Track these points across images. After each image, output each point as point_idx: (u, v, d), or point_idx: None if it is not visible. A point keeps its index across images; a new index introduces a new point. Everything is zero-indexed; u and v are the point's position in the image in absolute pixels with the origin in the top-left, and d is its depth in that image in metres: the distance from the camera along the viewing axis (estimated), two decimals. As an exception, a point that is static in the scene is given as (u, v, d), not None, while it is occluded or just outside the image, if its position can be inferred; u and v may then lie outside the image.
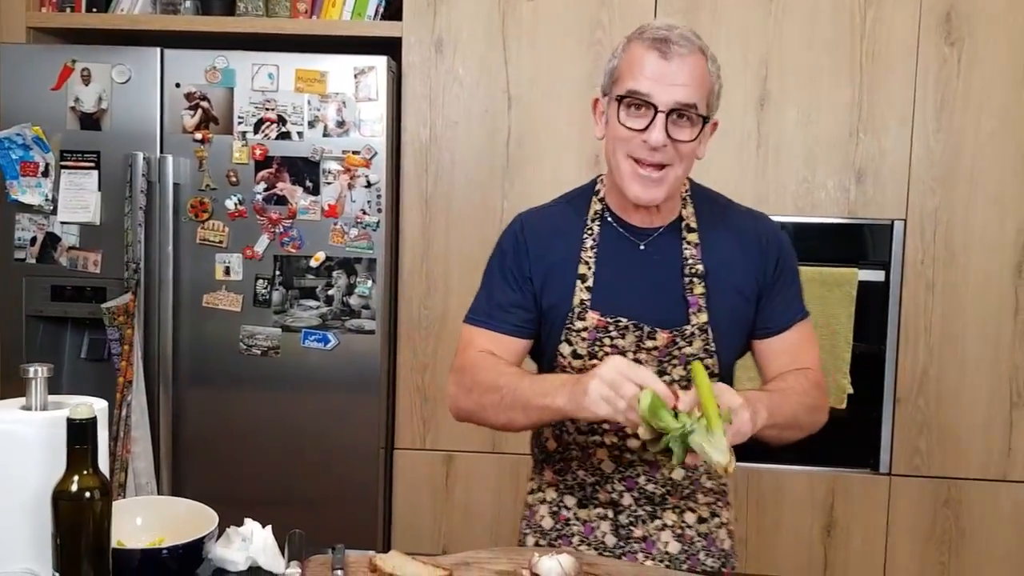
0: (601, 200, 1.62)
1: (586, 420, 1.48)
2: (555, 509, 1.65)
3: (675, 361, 1.55)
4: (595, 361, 1.54)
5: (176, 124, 2.58)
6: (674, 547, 1.60)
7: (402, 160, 2.68)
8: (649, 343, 1.55)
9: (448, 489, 2.69)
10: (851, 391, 2.56)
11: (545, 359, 1.64)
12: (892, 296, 2.58)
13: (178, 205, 2.59)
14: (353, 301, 2.58)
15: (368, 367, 2.60)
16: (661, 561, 1.58)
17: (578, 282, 1.57)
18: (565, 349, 1.59)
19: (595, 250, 1.58)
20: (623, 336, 1.55)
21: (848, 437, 2.62)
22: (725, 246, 1.58)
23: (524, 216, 1.65)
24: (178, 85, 2.57)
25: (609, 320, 1.55)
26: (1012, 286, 2.55)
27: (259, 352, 2.61)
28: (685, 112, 1.46)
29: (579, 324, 1.57)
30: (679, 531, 1.60)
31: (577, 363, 1.58)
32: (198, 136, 2.58)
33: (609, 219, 1.61)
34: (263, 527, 1.39)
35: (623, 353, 1.53)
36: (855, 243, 2.62)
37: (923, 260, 2.57)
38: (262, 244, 2.59)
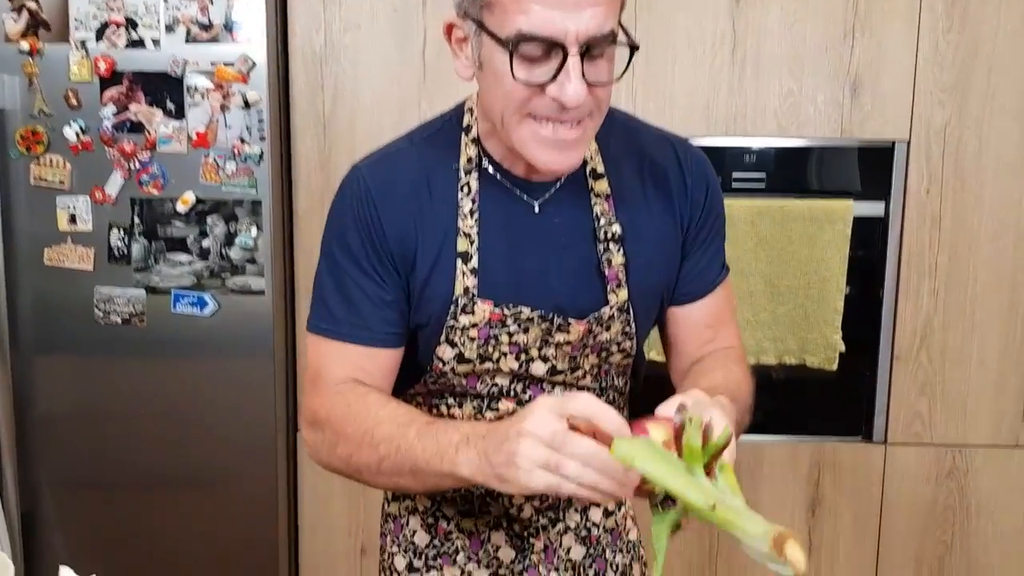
0: (476, 142, 1.16)
1: (512, 493, 1.02)
2: (431, 520, 1.27)
3: (587, 351, 1.19)
4: (488, 366, 1.16)
5: (-7, 30, 2.01)
6: (578, 552, 1.28)
7: (290, 74, 2.13)
8: (560, 337, 1.16)
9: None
10: (843, 349, 2.15)
11: (415, 365, 1.21)
12: (891, 233, 2.16)
13: (4, 136, 2.05)
14: (234, 254, 2.07)
15: (258, 334, 2.10)
16: (565, 571, 1.27)
17: (459, 263, 1.14)
18: (446, 352, 1.17)
19: (476, 216, 1.14)
20: (525, 331, 1.15)
21: (838, 401, 2.23)
22: (640, 192, 1.20)
23: (364, 169, 1.17)
24: (-8, -21, 1.99)
25: (507, 312, 1.14)
26: (1032, 219, 2.14)
27: (119, 320, 2.09)
28: (601, 45, 1.00)
29: (465, 320, 1.14)
30: (583, 532, 1.28)
31: (463, 368, 1.17)
32: (24, 46, 2.02)
33: (490, 170, 1.16)
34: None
35: (524, 352, 1.17)
36: (849, 170, 2.17)
37: (928, 189, 2.14)
38: (115, 184, 2.06)
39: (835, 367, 2.14)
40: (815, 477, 2.23)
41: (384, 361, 1.17)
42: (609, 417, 0.92)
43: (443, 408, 1.23)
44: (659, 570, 0.89)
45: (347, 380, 1.16)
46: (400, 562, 1.30)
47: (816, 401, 2.25)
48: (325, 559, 2.28)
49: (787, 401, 2.24)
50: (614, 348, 1.21)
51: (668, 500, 0.91)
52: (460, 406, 1.22)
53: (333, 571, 2.28)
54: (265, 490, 2.18)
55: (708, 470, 0.89)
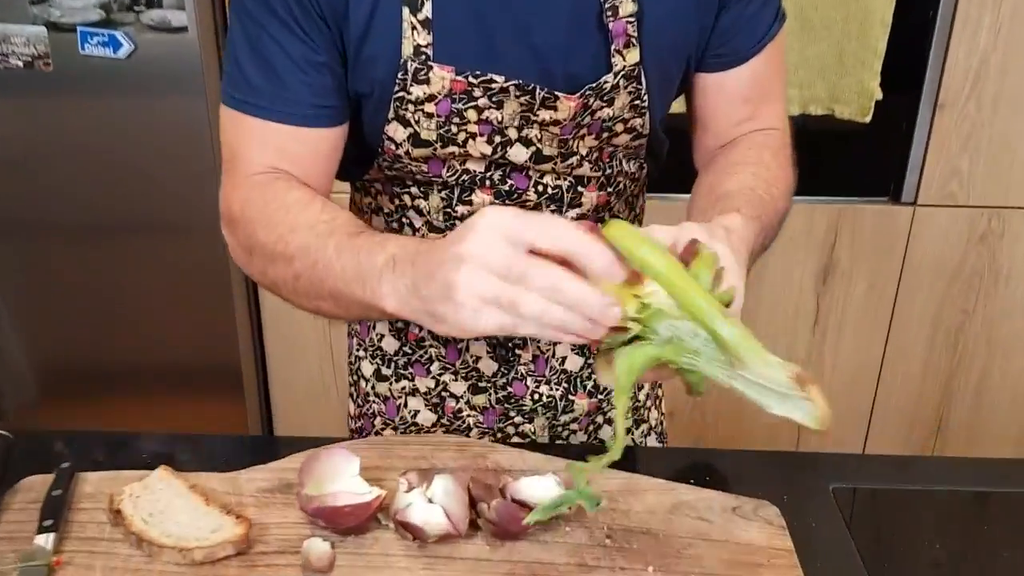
0: None
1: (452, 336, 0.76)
2: (400, 324, 1.09)
3: (583, 132, 0.93)
4: (452, 150, 0.92)
5: None
6: (574, 362, 1.09)
7: None
8: (545, 115, 0.90)
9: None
10: (880, 97, 1.82)
11: (365, 145, 0.95)
12: (952, -48, 1.77)
13: None
14: (147, -19, 1.69)
15: (183, 77, 1.76)
16: (558, 384, 1.09)
17: (405, 13, 0.85)
18: (397, 132, 0.90)
19: None
20: (499, 106, 0.89)
21: (866, 157, 1.94)
22: None
23: None
24: None
25: (473, 81, 0.86)
26: None
27: (20, 63, 1.75)
28: None
29: (418, 91, 0.87)
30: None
31: (420, 153, 0.92)
32: None
33: None
34: None
35: (499, 133, 0.90)
36: None
37: None
38: None
39: (868, 118, 1.83)
40: (831, 241, 1.99)
41: (317, 144, 0.90)
42: (591, 251, 0.65)
43: (406, 199, 0.97)
44: (619, 438, 0.67)
45: (267, 169, 0.89)
46: (367, 368, 1.12)
47: (841, 157, 1.96)
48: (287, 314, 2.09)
49: (807, 157, 1.93)
50: (619, 128, 0.93)
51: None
52: (426, 197, 0.96)
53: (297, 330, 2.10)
54: (214, 239, 1.94)
55: None
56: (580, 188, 0.97)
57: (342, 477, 0.85)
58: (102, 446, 0.99)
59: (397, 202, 0.99)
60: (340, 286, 0.78)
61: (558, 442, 1.11)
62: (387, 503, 0.83)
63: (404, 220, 1.00)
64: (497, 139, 0.91)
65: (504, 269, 0.65)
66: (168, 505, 0.85)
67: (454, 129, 0.90)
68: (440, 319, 0.69)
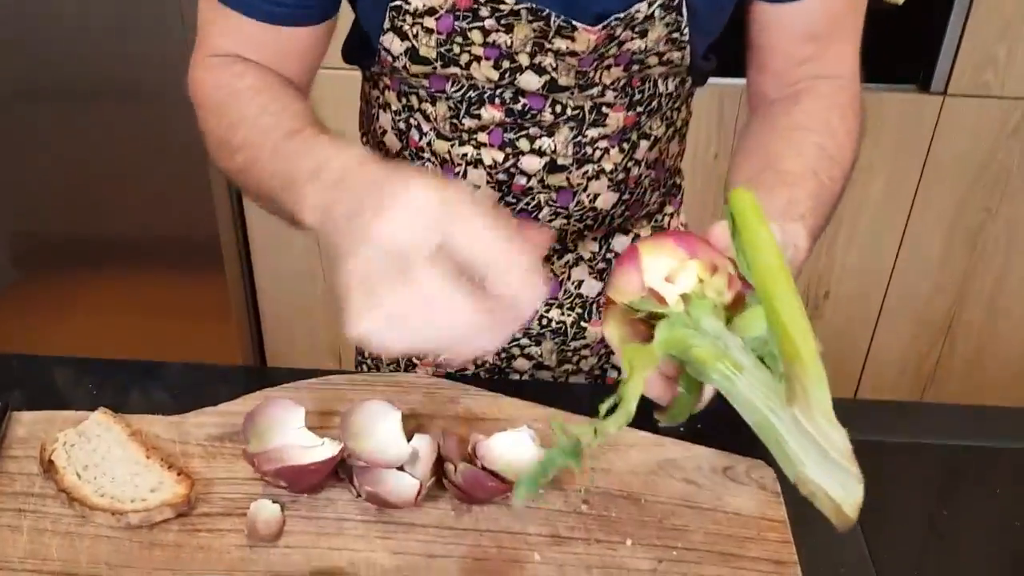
0: None
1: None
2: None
3: (608, 62, 0.80)
4: (453, 71, 0.80)
5: None
6: (591, 287, 1.00)
7: None
8: (561, 44, 0.77)
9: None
10: (916, -25, 1.65)
11: (364, 59, 0.86)
12: None
13: None
14: None
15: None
16: (570, 310, 1.00)
17: None
18: (394, 45, 0.79)
19: None
20: (508, 30, 0.77)
21: (895, 42, 1.78)
22: None
23: None
24: None
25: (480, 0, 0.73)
26: None
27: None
28: None
29: (417, 2, 0.75)
30: (601, 264, 0.99)
31: (419, 69, 0.81)
32: None
33: None
34: None
35: (508, 58, 0.78)
36: None
37: None
38: None
39: (902, 0, 1.67)
40: (850, 132, 1.85)
41: (293, 43, 0.80)
42: (508, 271, 0.52)
43: (414, 100, 0.87)
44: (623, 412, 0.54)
45: (229, 53, 0.80)
46: None
47: (868, 39, 1.79)
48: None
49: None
50: (652, 60, 0.81)
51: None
52: (433, 103, 0.86)
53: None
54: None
55: None
56: (605, 108, 0.85)
57: (285, 429, 0.76)
58: (52, 374, 0.91)
59: (404, 101, 0.88)
60: (274, 192, 0.67)
61: (563, 366, 1.03)
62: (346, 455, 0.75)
63: (412, 122, 0.89)
64: (505, 64, 0.79)
65: (400, 257, 0.52)
66: (105, 456, 0.77)
67: (456, 49, 0.78)
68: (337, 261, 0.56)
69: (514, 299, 0.52)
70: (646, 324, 0.57)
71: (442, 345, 0.53)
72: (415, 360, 1.02)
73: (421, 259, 0.51)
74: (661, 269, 0.56)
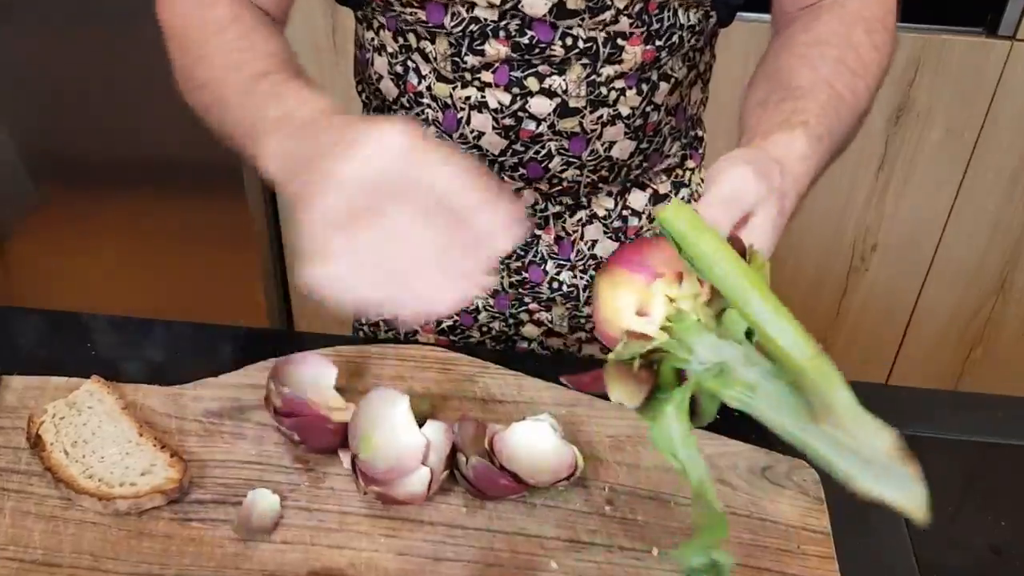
0: None
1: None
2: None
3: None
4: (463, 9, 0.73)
5: None
6: (605, 247, 0.93)
7: None
8: None
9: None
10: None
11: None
12: None
13: None
14: None
15: None
16: (583, 272, 0.93)
17: None
18: None
19: None
20: None
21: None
22: None
23: None
24: None
25: None
26: None
27: None
28: None
29: None
30: (616, 223, 0.91)
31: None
32: None
33: None
34: None
35: None
36: None
37: None
38: None
39: (974, -64, 1.53)
40: (910, 77, 1.73)
41: None
42: (482, 210, 0.51)
43: (411, 39, 0.79)
44: (710, 492, 0.51)
45: None
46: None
47: (933, -22, 1.67)
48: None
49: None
50: None
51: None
52: (432, 40, 0.78)
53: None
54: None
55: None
56: (621, 41, 0.76)
57: (317, 388, 0.73)
58: (50, 330, 0.86)
59: (401, 41, 0.80)
60: (237, 134, 0.64)
61: (575, 334, 0.96)
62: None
63: (409, 64, 0.81)
64: None
65: (367, 194, 0.50)
66: (96, 432, 0.72)
67: None
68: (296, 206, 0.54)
69: (490, 236, 0.50)
70: (647, 370, 0.51)
71: (404, 294, 0.51)
72: (418, 328, 0.96)
73: (390, 195, 0.49)
74: (628, 304, 0.50)
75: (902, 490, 0.44)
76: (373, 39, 0.83)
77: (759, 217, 0.55)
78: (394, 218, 0.50)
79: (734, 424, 0.76)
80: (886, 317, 2.03)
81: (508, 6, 0.72)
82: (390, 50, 0.81)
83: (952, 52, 1.70)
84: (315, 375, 0.74)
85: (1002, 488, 0.78)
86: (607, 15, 0.73)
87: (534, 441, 0.69)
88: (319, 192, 0.50)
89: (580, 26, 0.74)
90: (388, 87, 0.84)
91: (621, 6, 0.73)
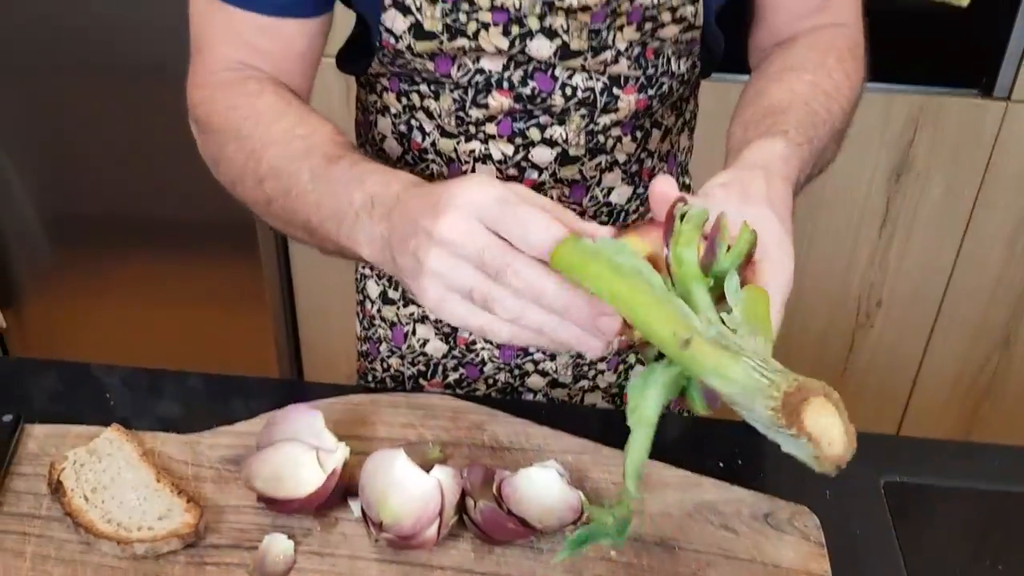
0: None
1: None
2: None
3: (620, 21, 0.77)
4: (461, 43, 0.76)
5: None
6: (622, 193, 0.93)
7: None
8: (572, 0, 0.74)
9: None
10: (984, -26, 1.57)
11: (363, 38, 0.81)
12: None
13: None
14: None
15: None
16: (598, 218, 0.93)
17: None
18: (396, 23, 0.75)
19: None
20: None
21: (958, 45, 1.69)
22: None
23: None
24: None
25: None
26: None
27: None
28: None
29: None
30: (633, 167, 0.93)
31: (424, 47, 0.77)
32: None
33: None
34: None
35: (517, 22, 0.75)
36: None
37: None
38: None
39: (967, 1, 1.58)
40: (909, 137, 1.77)
41: (292, 39, 0.77)
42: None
43: (415, 98, 0.83)
44: (633, 474, 0.53)
45: (235, 65, 0.77)
46: (373, 289, 0.99)
47: (928, 40, 1.71)
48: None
49: (888, 40, 1.70)
50: (665, 17, 0.77)
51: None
52: (436, 97, 0.82)
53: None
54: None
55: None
56: (616, 90, 0.81)
57: (312, 433, 0.73)
58: (69, 381, 0.89)
59: (405, 101, 0.84)
60: (314, 221, 0.66)
61: (579, 383, 0.98)
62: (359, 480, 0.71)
63: (413, 122, 0.85)
64: (515, 30, 0.75)
65: (479, 259, 0.54)
66: (115, 478, 0.74)
67: (463, 18, 0.74)
68: (412, 291, 0.58)
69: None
70: None
71: (548, 326, 0.54)
72: (422, 382, 0.99)
73: (502, 253, 0.53)
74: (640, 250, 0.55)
75: (798, 448, 0.45)
76: (376, 101, 0.87)
77: (753, 209, 0.57)
78: (522, 265, 0.53)
79: (737, 471, 0.78)
80: (893, 373, 2.04)
81: (514, 51, 0.76)
82: (394, 111, 0.85)
83: (949, 112, 1.74)
84: (305, 423, 0.74)
85: (1009, 537, 0.79)
86: (608, 55, 0.78)
87: (541, 487, 0.71)
88: (426, 256, 0.55)
89: (581, 70, 0.78)
90: (392, 146, 0.87)
91: (622, 47, 0.78)
